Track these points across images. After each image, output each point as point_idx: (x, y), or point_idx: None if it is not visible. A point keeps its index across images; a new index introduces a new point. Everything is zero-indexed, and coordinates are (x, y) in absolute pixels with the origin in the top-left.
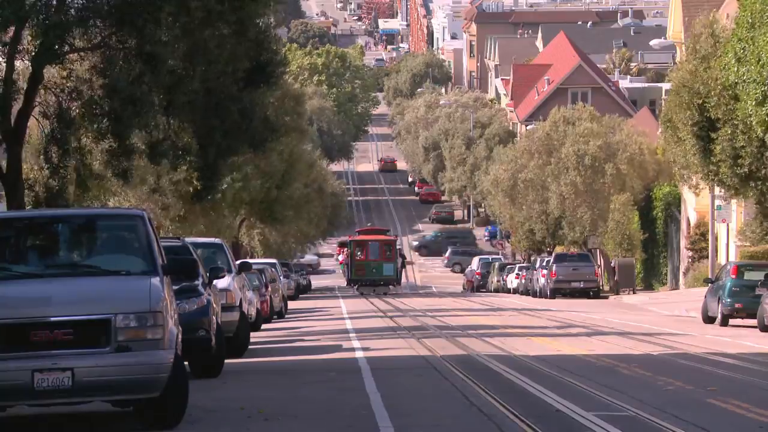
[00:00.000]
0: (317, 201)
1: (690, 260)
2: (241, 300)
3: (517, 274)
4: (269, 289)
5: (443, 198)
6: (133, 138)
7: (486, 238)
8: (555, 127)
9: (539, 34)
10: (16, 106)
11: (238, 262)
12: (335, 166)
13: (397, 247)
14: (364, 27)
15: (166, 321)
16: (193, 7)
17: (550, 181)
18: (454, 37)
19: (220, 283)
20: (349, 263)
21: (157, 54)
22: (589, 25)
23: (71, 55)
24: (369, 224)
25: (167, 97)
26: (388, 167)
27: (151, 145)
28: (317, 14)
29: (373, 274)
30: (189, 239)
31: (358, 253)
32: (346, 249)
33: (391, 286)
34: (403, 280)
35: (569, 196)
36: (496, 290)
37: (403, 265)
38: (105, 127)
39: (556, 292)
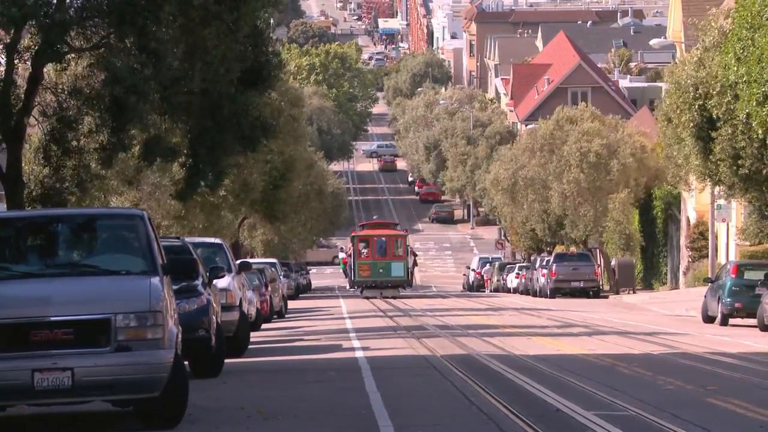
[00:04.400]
0: (316, 200)
1: (690, 259)
2: (241, 299)
3: (517, 273)
4: (269, 288)
5: (443, 197)
6: (132, 131)
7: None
8: (558, 125)
9: (539, 34)
10: (16, 106)
11: (237, 261)
12: (335, 166)
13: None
14: (364, 27)
15: (166, 321)
16: (194, 6)
17: (551, 180)
18: (454, 36)
19: (220, 282)
20: (351, 262)
21: (159, 50)
22: (588, 24)
23: (71, 54)
24: (375, 217)
25: (164, 95)
26: (388, 167)
27: (145, 143)
28: (317, 14)
29: (380, 275)
30: (189, 239)
31: (363, 250)
32: (349, 245)
33: (400, 289)
34: None
35: (571, 194)
36: (496, 290)
37: (415, 264)
38: (106, 117)
39: (556, 292)
